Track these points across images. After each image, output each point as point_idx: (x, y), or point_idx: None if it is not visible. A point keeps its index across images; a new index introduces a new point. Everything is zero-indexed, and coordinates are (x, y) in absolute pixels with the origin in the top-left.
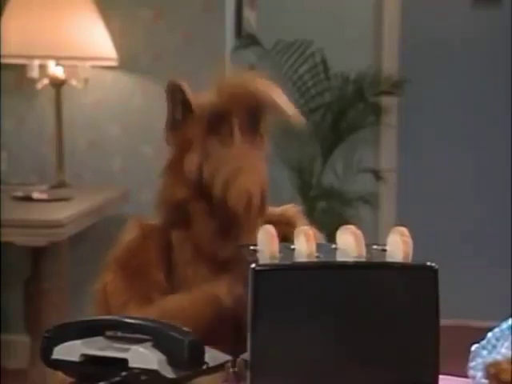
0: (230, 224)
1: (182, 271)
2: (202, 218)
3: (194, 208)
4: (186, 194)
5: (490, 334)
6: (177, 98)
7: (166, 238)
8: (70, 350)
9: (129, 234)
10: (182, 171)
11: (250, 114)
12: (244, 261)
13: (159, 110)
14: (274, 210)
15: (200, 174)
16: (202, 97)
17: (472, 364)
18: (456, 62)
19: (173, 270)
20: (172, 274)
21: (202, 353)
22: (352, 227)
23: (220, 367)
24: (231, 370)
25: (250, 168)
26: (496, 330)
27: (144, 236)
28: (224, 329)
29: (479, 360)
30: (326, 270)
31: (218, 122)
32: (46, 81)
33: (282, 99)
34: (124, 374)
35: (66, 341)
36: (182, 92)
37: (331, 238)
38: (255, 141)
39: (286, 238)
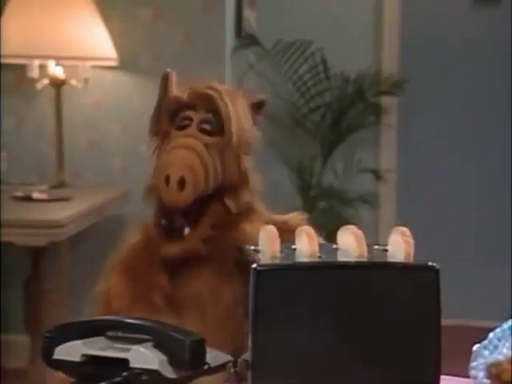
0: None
1: (181, 272)
2: (157, 216)
3: (155, 206)
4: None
5: (491, 334)
6: (165, 89)
7: None
8: (70, 350)
9: (133, 236)
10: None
11: (213, 114)
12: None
13: None
14: (279, 217)
15: None
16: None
17: (474, 364)
18: (456, 62)
19: (175, 271)
20: (174, 275)
21: (204, 353)
22: (353, 227)
23: (221, 367)
24: (232, 370)
25: (177, 149)
26: (497, 330)
27: (149, 237)
28: None
29: (481, 360)
30: (328, 270)
31: (178, 114)
32: (46, 81)
33: (235, 116)
34: (125, 374)
35: (66, 341)
36: (168, 80)
37: (331, 237)
38: (213, 138)
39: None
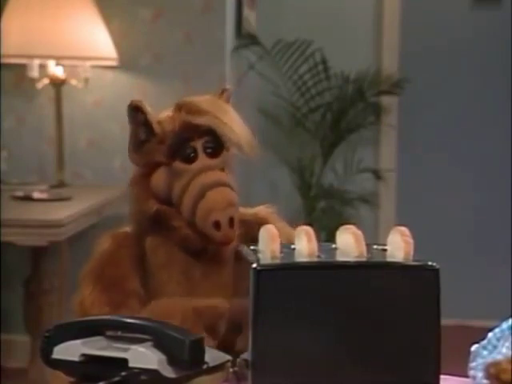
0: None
1: (157, 276)
2: (181, 216)
3: (170, 212)
4: (157, 206)
5: (490, 334)
6: (138, 119)
7: (140, 245)
8: (69, 350)
9: (101, 246)
10: (150, 186)
11: (211, 135)
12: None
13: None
14: (247, 210)
15: (169, 191)
16: (164, 118)
17: (473, 364)
18: (456, 61)
19: (148, 276)
20: (147, 280)
21: (203, 353)
22: (352, 227)
23: (220, 367)
24: (231, 369)
25: (214, 187)
26: (496, 330)
27: (117, 245)
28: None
29: (480, 360)
30: (328, 270)
31: (180, 147)
32: (46, 80)
33: (237, 128)
34: (124, 373)
35: (66, 340)
36: (143, 113)
37: (331, 237)
38: (220, 157)
39: (258, 238)
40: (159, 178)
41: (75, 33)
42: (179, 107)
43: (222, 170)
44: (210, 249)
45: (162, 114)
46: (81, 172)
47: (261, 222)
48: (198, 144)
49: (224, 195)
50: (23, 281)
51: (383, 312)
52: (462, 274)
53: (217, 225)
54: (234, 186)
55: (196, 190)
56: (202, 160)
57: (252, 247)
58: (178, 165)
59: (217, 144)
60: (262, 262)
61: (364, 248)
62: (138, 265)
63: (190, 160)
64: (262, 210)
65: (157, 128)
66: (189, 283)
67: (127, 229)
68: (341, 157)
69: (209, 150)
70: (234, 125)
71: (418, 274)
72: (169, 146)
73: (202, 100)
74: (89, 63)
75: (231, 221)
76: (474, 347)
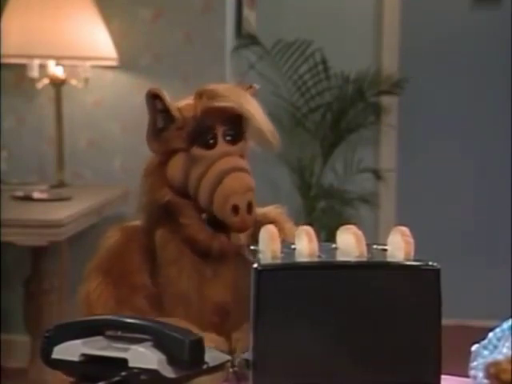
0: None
1: (166, 271)
2: (191, 212)
3: (181, 205)
4: (171, 195)
5: (491, 334)
6: (157, 107)
7: (150, 238)
8: (69, 350)
9: (110, 239)
10: (166, 175)
11: (232, 122)
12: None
13: None
14: (257, 209)
15: (186, 179)
16: (183, 105)
17: (473, 364)
18: (456, 61)
19: (157, 270)
20: (157, 274)
21: (203, 352)
22: (352, 227)
23: (220, 367)
24: (231, 369)
25: (232, 172)
26: (497, 330)
27: (126, 238)
28: None
29: (480, 360)
30: (328, 270)
31: (201, 134)
32: (46, 80)
33: (259, 115)
34: (124, 373)
35: (66, 340)
36: (161, 100)
37: (331, 237)
38: (239, 145)
39: None
40: (176, 164)
41: (75, 33)
42: (200, 94)
43: (241, 157)
44: (214, 250)
45: (180, 102)
46: (81, 172)
47: (270, 223)
48: (219, 131)
49: (242, 180)
50: (23, 281)
51: (384, 312)
52: (462, 273)
53: (235, 209)
54: (251, 171)
55: (214, 175)
56: (222, 146)
57: (252, 247)
58: (197, 151)
59: (237, 132)
60: (263, 262)
61: (364, 248)
62: (148, 258)
63: (209, 146)
64: (271, 210)
65: (176, 114)
66: (200, 279)
67: (137, 222)
68: (341, 157)
69: (228, 138)
70: (256, 112)
71: (418, 274)
72: (189, 132)
73: (223, 87)
74: (89, 63)
75: (249, 206)
76: (474, 347)
